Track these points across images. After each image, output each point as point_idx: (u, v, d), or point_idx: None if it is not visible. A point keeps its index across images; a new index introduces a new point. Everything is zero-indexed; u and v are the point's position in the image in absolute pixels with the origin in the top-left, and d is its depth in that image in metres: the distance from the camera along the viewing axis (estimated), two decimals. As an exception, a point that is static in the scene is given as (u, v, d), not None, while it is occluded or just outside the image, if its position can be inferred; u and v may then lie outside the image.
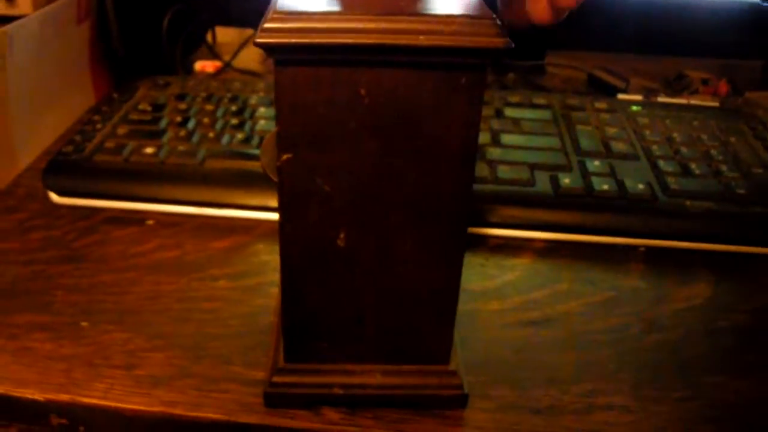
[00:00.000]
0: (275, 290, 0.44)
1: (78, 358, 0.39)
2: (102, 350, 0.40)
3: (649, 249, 0.50)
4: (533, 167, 0.52)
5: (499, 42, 0.27)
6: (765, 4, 0.71)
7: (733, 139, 0.58)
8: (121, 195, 0.51)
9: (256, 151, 0.53)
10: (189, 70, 0.74)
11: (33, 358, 0.39)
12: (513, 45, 0.27)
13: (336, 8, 0.28)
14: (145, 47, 0.69)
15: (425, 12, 0.28)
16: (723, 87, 0.74)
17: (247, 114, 0.57)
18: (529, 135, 0.57)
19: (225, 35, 0.80)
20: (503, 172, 0.51)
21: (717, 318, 0.44)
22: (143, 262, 0.46)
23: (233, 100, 0.59)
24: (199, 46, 0.78)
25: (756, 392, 0.39)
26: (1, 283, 0.45)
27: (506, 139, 0.55)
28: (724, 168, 0.54)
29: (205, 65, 0.75)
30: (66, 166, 0.52)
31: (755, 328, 0.44)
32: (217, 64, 0.75)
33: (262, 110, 0.58)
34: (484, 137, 0.55)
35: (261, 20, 0.28)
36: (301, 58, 0.28)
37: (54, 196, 0.52)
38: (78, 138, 0.55)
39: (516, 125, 0.58)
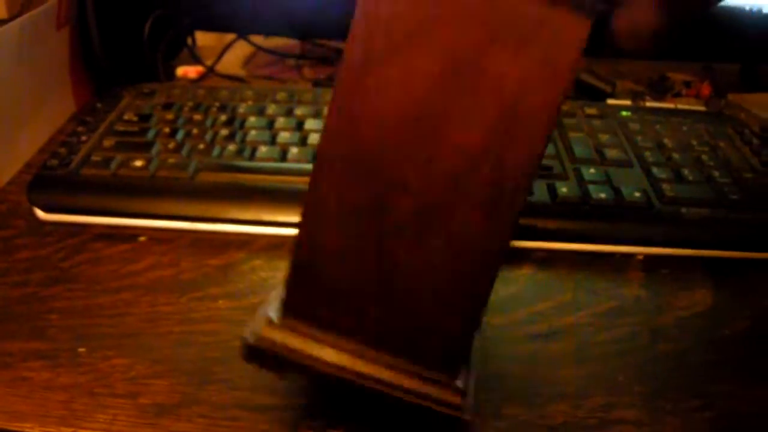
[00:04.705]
0: (277, 310, 0.43)
1: (78, 388, 0.37)
2: (103, 378, 0.38)
3: (648, 257, 0.49)
4: (530, 176, 0.52)
5: None
6: None
7: (722, 144, 0.58)
8: (111, 210, 0.49)
9: (249, 164, 0.51)
10: (171, 76, 0.73)
11: (30, 389, 0.37)
12: None
13: None
14: (126, 53, 0.67)
15: None
16: (705, 89, 0.74)
17: (237, 124, 0.56)
18: (524, 142, 0.56)
19: (204, 39, 0.79)
20: (501, 181, 0.51)
21: (720, 325, 0.44)
22: (138, 281, 0.45)
23: (222, 109, 0.58)
24: (180, 51, 0.76)
25: (769, 401, 0.39)
26: (-10, 307, 0.43)
27: (502, 146, 0.55)
28: (716, 174, 0.54)
29: (187, 71, 0.73)
30: (52, 181, 0.50)
31: (758, 335, 0.44)
32: (200, 69, 0.74)
33: (252, 120, 0.56)
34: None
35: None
36: None
37: (40, 213, 0.50)
38: (63, 150, 0.53)
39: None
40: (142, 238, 0.49)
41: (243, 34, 0.75)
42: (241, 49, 0.77)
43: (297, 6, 0.66)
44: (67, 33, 0.62)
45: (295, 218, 0.47)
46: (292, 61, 0.75)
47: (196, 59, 0.75)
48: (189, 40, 0.76)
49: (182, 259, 0.47)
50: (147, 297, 0.44)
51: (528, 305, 0.45)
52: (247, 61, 0.77)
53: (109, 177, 0.50)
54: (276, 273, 0.46)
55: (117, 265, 0.46)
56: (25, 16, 0.54)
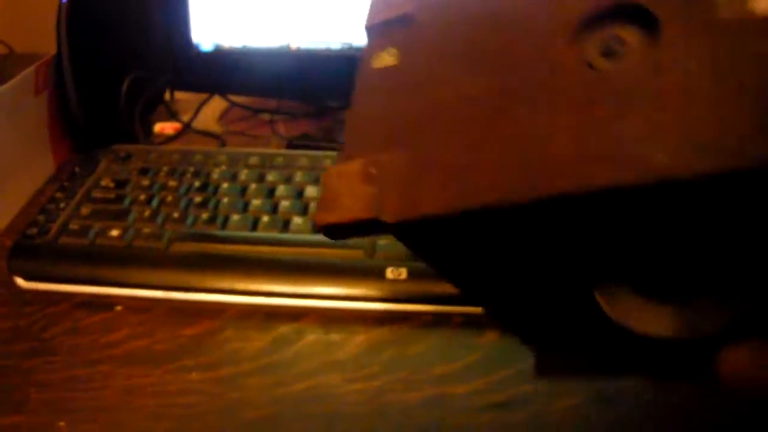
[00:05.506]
0: (250, 382, 0.45)
1: (57, 464, 0.39)
2: (81, 454, 0.40)
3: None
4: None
5: None
6: None
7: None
8: (89, 279, 0.51)
9: (221, 233, 0.53)
10: (149, 133, 0.75)
11: (12, 465, 0.39)
12: None
13: None
14: (103, 113, 0.69)
15: None
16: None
17: (210, 190, 0.58)
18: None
19: (181, 93, 0.81)
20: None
21: (670, 390, 0.46)
22: (115, 353, 0.47)
23: (196, 175, 0.60)
24: (157, 107, 0.78)
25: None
26: (-28, 380, 0.45)
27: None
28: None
29: (164, 127, 0.76)
30: (31, 250, 0.52)
31: (708, 397, 0.46)
32: (177, 125, 0.76)
33: (224, 186, 0.58)
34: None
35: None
36: None
37: (20, 281, 0.52)
38: (41, 218, 0.55)
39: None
40: (118, 308, 0.51)
41: (218, 92, 0.78)
42: (217, 104, 0.79)
43: (269, 69, 0.68)
44: (46, 97, 0.64)
45: (266, 287, 0.50)
46: (266, 115, 0.78)
47: (172, 116, 0.77)
48: (167, 95, 0.78)
49: (157, 329, 0.49)
50: (123, 369, 0.46)
51: (488, 374, 0.46)
52: (223, 115, 0.79)
53: (87, 246, 0.52)
54: (246, 344, 0.48)
55: (95, 335, 0.48)
56: (4, 87, 0.57)
